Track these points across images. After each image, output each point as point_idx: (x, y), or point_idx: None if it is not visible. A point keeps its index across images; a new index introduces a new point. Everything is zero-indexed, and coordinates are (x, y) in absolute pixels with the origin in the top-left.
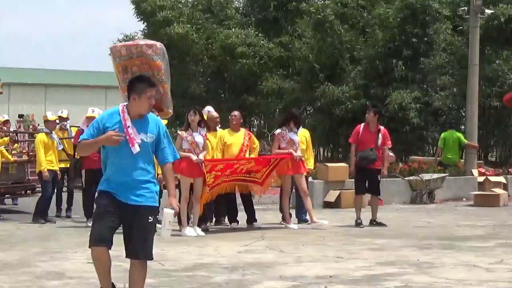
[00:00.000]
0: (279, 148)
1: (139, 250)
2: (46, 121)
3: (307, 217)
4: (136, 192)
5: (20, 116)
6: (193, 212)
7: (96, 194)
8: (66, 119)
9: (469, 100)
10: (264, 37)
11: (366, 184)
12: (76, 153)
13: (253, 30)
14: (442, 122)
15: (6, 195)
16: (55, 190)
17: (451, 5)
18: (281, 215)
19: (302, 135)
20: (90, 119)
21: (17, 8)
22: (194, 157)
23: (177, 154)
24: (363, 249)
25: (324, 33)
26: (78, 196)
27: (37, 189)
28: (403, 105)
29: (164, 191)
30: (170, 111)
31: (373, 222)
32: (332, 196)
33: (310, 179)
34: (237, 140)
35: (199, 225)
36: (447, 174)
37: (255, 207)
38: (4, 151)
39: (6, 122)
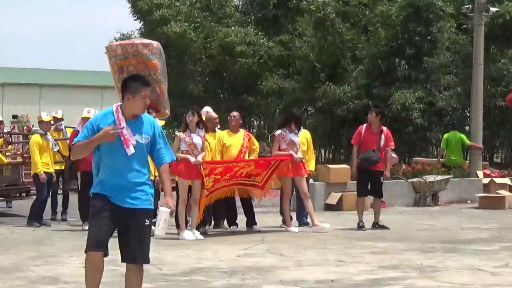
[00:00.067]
0: (279, 149)
1: (136, 254)
2: (41, 122)
3: (308, 220)
4: (131, 194)
5: (14, 116)
6: (191, 215)
7: (90, 197)
8: (61, 119)
9: (473, 100)
10: (264, 36)
11: (369, 186)
12: (70, 156)
13: (253, 29)
14: (446, 123)
15: (0, 198)
16: (50, 193)
17: (455, 3)
18: (282, 218)
19: (303, 136)
20: (85, 120)
21: (12, 8)
22: (192, 159)
23: (174, 155)
24: (365, 252)
25: (325, 32)
26: (73, 198)
27: (31, 191)
28: (406, 105)
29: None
30: (167, 111)
31: (376, 225)
32: (333, 198)
33: (311, 181)
34: (236, 141)
35: (197, 228)
36: (451, 176)
37: (255, 209)
38: None
39: (0, 123)
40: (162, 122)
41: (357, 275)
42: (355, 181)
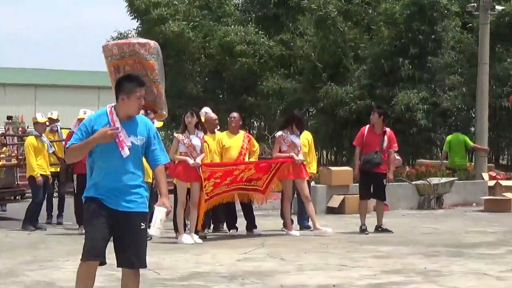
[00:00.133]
0: (280, 151)
1: (133, 259)
2: (36, 123)
3: (310, 223)
4: (126, 197)
5: (9, 117)
6: (190, 219)
7: (84, 201)
8: (57, 120)
9: (479, 101)
10: (264, 35)
11: (371, 189)
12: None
13: (253, 28)
14: (450, 124)
15: None
16: (46, 196)
17: (460, 1)
18: (282, 221)
19: (304, 138)
20: (81, 121)
21: (5, 6)
22: (191, 161)
23: (168, 156)
24: (367, 256)
25: (327, 31)
26: (69, 201)
27: (26, 194)
28: (410, 105)
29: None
30: (165, 113)
31: (379, 229)
32: (335, 201)
33: (312, 183)
34: (236, 143)
35: (196, 232)
36: (456, 178)
37: (255, 213)
38: None
39: None
40: (160, 124)
41: (360, 280)
42: (357, 184)
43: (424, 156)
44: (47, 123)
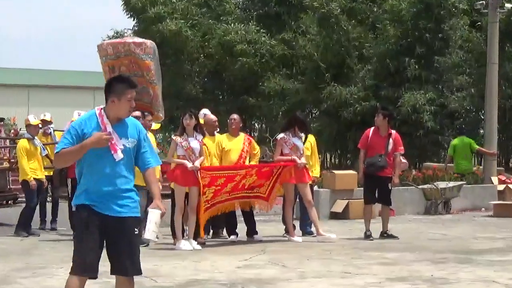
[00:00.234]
0: (282, 154)
1: (128, 266)
2: (28, 126)
3: (312, 229)
4: (118, 202)
5: (1, 119)
6: (188, 224)
7: (74, 209)
8: (50, 122)
9: (487, 102)
10: (265, 34)
11: (376, 193)
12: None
13: (254, 26)
14: (458, 126)
15: None
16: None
17: None
18: (284, 227)
19: (307, 140)
20: None
21: None
22: (189, 165)
23: (159, 158)
24: (372, 263)
25: (330, 29)
26: (63, 206)
27: (19, 199)
28: (417, 107)
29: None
30: (161, 115)
31: (384, 234)
32: (339, 206)
33: (315, 187)
34: (236, 145)
35: (195, 238)
36: (464, 182)
37: (256, 218)
38: None
39: None
40: (157, 125)
41: None
42: (362, 188)
43: (431, 159)
44: (40, 125)
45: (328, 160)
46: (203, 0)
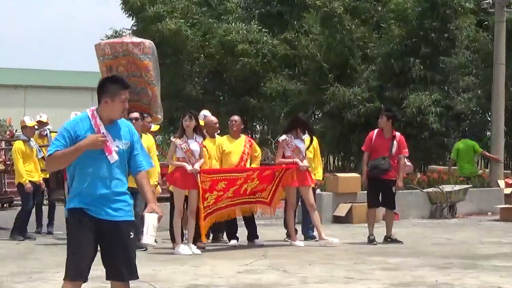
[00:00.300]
0: (284, 156)
1: (123, 270)
2: (24, 127)
3: (315, 233)
4: (113, 205)
5: None
6: (187, 228)
7: (66, 213)
8: (46, 124)
9: (494, 103)
10: (267, 33)
11: (380, 197)
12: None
13: (256, 26)
14: (464, 128)
15: None
16: (35, 204)
17: None
18: (286, 231)
19: (307, 142)
20: None
21: None
22: (189, 167)
23: (152, 161)
24: (375, 268)
25: (333, 29)
26: (60, 209)
27: (15, 202)
28: (422, 108)
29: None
30: (160, 116)
31: (388, 239)
32: (342, 210)
33: (318, 191)
34: (237, 147)
35: (194, 242)
36: (470, 186)
37: (256, 222)
38: None
39: None
40: (156, 127)
41: None
42: (365, 191)
43: (437, 162)
44: (36, 127)
45: (331, 162)
46: None
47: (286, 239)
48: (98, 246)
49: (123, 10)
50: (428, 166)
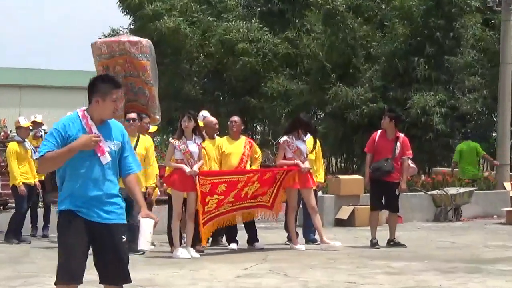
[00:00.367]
0: (285, 158)
1: (116, 274)
2: (18, 128)
3: (316, 236)
4: (105, 208)
5: None
6: (186, 231)
7: (58, 215)
8: (41, 124)
9: (500, 104)
10: (268, 32)
11: (383, 199)
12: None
13: (256, 24)
14: (467, 129)
15: None
16: (30, 206)
17: None
18: (287, 234)
19: (311, 144)
20: None
21: None
22: (187, 169)
23: (140, 163)
24: (378, 273)
25: (335, 28)
26: (55, 212)
27: (9, 204)
28: (426, 109)
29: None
30: (158, 117)
31: (391, 242)
32: (344, 212)
33: (320, 193)
34: (236, 149)
35: (193, 246)
36: (476, 188)
37: (257, 225)
38: None
39: None
40: (154, 128)
41: None
42: (368, 194)
43: (441, 164)
44: (31, 127)
45: (333, 164)
46: None
47: (287, 243)
48: (90, 248)
49: (120, 8)
50: (433, 168)
